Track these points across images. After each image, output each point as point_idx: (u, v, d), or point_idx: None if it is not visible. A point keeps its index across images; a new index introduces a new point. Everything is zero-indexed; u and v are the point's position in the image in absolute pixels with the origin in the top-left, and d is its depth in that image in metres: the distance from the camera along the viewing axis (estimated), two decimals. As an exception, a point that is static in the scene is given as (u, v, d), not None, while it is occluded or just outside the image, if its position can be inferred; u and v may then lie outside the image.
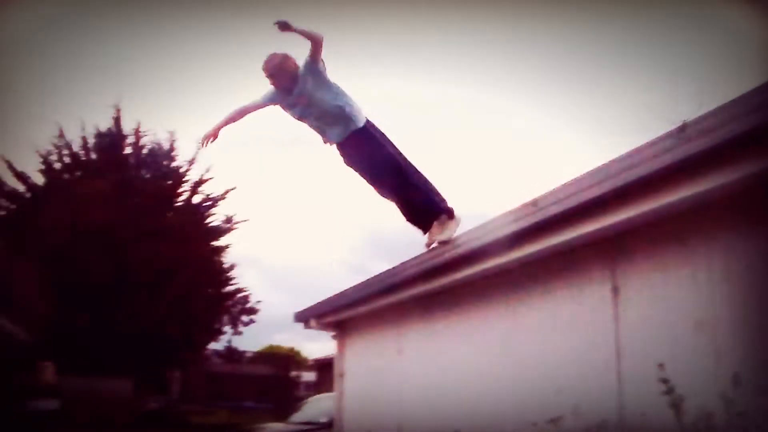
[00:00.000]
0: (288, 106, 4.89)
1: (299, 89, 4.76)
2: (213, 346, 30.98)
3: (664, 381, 3.91)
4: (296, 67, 4.81)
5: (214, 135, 4.98)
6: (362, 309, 9.88)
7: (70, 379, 14.84)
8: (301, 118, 4.84)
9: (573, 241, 5.45)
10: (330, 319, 11.34)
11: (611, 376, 5.15)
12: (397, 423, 8.49)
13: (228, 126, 4.99)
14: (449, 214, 4.82)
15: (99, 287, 22.23)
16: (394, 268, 8.78)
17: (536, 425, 5.28)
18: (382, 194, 4.94)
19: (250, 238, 53.19)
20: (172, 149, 27.40)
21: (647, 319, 4.96)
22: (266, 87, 4.98)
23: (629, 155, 4.61)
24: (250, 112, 4.94)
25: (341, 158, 4.77)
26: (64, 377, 11.39)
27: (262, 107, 5.02)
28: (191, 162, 27.28)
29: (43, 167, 25.52)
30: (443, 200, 4.84)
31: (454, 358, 8.46)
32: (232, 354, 33.41)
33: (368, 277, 9.51)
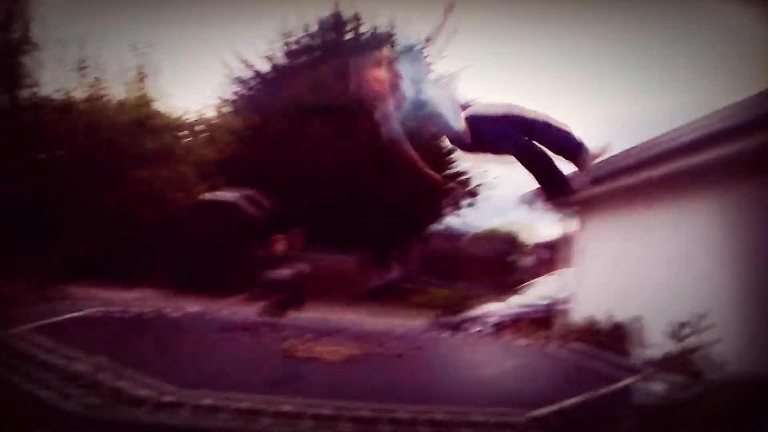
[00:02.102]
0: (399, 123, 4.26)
1: (406, 90, 4.13)
2: (436, 226, 31.45)
3: None
4: (394, 70, 4.15)
5: None
6: (605, 187, 9.31)
7: (303, 253, 15.58)
8: (409, 121, 4.22)
9: None
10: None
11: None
12: (636, 304, 8.03)
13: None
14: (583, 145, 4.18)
15: (327, 167, 23.01)
16: (641, 144, 8.12)
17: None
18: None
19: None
20: (392, 34, 27.40)
21: None
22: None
23: None
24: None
25: (472, 150, 4.17)
26: (298, 251, 11.88)
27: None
28: (427, 40, 27.17)
29: (270, 54, 26.42)
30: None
31: (700, 244, 7.78)
32: (454, 234, 33.75)
33: (611, 154, 8.90)
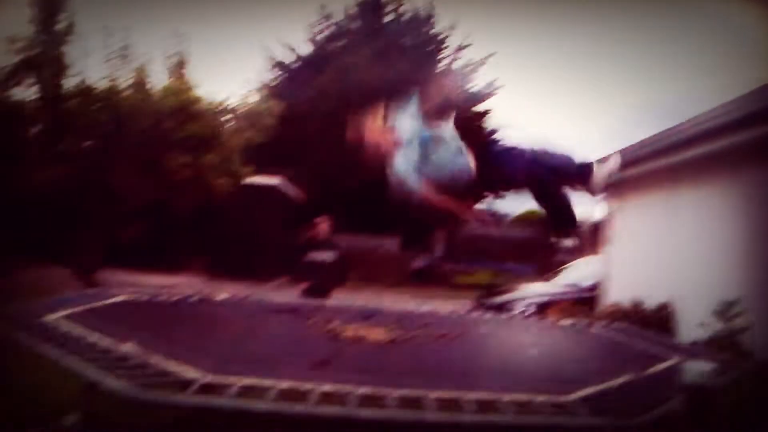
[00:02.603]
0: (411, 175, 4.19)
1: (409, 146, 4.08)
2: (476, 208, 31.46)
3: None
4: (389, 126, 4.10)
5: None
6: (634, 171, 9.25)
7: (343, 236, 15.68)
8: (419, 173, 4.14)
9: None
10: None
11: None
12: (667, 288, 7.98)
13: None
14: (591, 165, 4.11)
15: (366, 151, 22.99)
16: (670, 128, 8.09)
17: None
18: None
19: (510, 104, 52.55)
20: (431, 15, 27.43)
21: None
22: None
23: None
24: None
25: (487, 190, 4.21)
26: (338, 234, 11.98)
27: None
28: (451, 27, 27.38)
29: (309, 37, 26.57)
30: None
31: (729, 227, 7.69)
32: (494, 217, 33.64)
33: (640, 139, 8.95)
